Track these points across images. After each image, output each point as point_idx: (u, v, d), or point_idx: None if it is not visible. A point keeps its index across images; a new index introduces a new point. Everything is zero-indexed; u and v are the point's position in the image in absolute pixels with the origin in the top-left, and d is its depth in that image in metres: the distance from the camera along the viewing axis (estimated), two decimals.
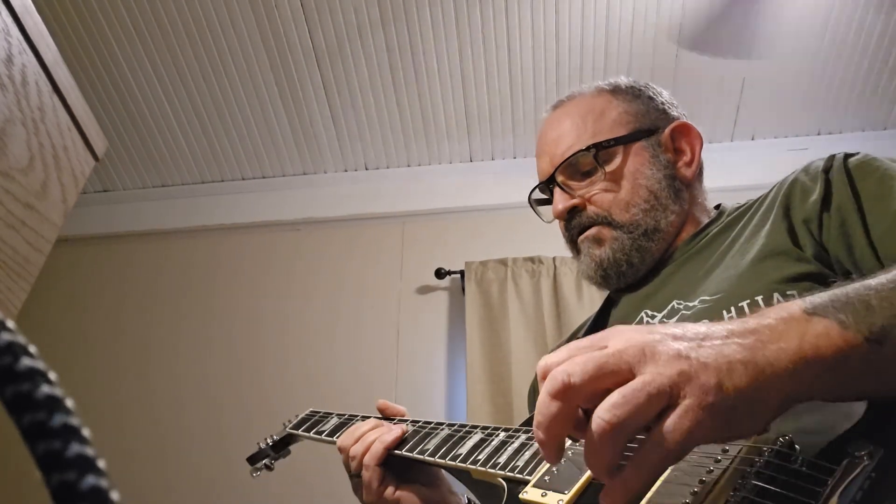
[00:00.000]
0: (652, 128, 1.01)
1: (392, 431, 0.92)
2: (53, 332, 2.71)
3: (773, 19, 2.51)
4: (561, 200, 1.00)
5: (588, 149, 0.98)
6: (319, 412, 1.16)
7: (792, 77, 2.70)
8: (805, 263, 0.76)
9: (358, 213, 2.94)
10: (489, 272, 2.63)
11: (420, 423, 0.94)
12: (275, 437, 1.20)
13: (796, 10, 2.48)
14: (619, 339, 0.49)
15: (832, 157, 0.82)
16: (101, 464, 0.21)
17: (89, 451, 0.21)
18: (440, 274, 2.69)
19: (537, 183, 1.08)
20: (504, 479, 0.70)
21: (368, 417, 1.02)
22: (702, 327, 0.50)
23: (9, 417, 0.21)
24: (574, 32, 2.55)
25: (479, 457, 0.76)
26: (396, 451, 0.90)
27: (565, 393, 0.47)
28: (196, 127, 2.83)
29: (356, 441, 0.93)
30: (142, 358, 2.71)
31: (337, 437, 1.00)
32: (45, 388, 0.21)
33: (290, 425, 1.17)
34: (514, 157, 2.98)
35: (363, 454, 0.90)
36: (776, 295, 0.73)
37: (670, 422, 0.45)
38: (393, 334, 2.67)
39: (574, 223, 1.00)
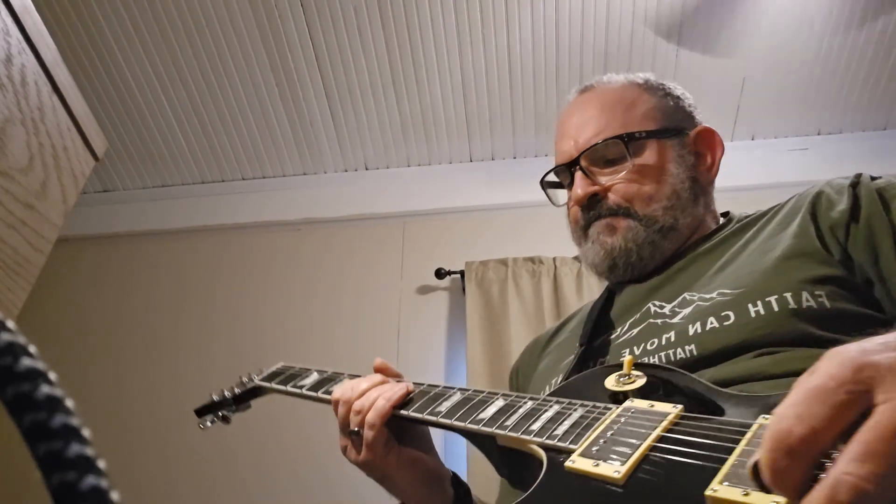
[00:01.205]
0: (678, 128, 1.01)
1: (397, 388, 0.85)
2: (53, 332, 2.71)
3: (773, 19, 2.51)
4: (582, 186, 0.98)
5: (620, 137, 0.97)
6: (294, 367, 1.07)
7: (792, 77, 2.70)
8: (831, 267, 0.78)
9: (358, 213, 2.94)
10: (489, 272, 2.63)
11: (425, 386, 0.87)
12: (237, 390, 1.10)
13: (796, 9, 2.48)
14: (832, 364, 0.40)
15: (858, 175, 0.85)
16: (102, 464, 0.21)
17: (89, 451, 0.21)
18: (440, 274, 2.69)
19: (554, 165, 1.05)
20: (541, 446, 0.65)
21: (357, 376, 0.95)
22: None
23: (9, 418, 0.21)
24: (574, 32, 2.55)
25: (507, 422, 0.71)
26: (404, 412, 0.82)
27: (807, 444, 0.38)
28: (196, 127, 2.83)
29: (359, 396, 0.85)
30: (142, 358, 2.71)
31: (322, 393, 0.94)
32: (45, 389, 0.21)
33: (260, 377, 1.09)
34: (514, 157, 2.98)
35: (368, 410, 0.83)
36: (804, 294, 0.75)
37: None
38: (393, 334, 2.67)
39: (592, 211, 0.99)
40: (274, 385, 1.04)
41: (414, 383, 0.88)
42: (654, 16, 2.51)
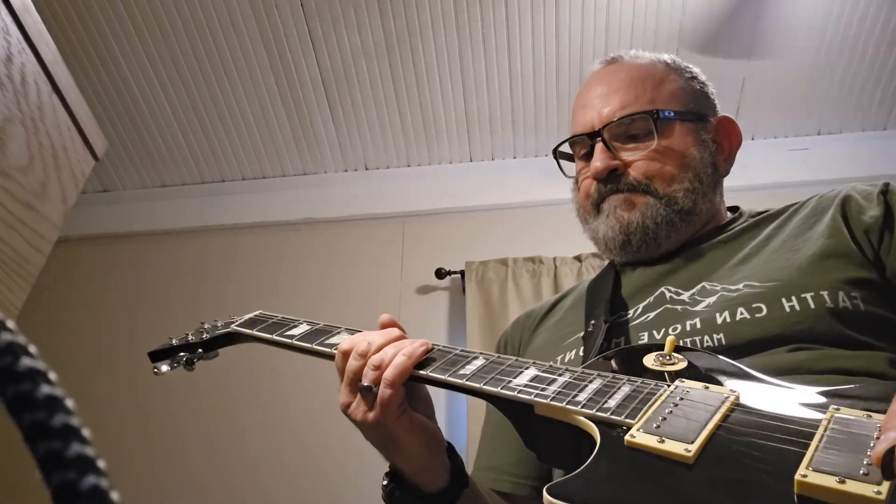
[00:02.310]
0: (702, 113, 1.00)
1: (417, 344, 0.77)
2: (53, 332, 2.71)
3: (772, 19, 2.51)
4: (602, 159, 0.94)
5: (649, 113, 0.94)
6: (275, 315, 0.96)
7: (792, 77, 2.70)
8: (866, 270, 0.78)
9: (358, 213, 2.93)
10: (489, 272, 2.63)
11: (442, 346, 0.80)
12: (205, 335, 0.99)
13: (796, 10, 2.48)
14: None
15: (886, 183, 0.86)
16: (101, 463, 0.21)
17: (89, 450, 0.21)
18: (440, 274, 2.69)
19: (572, 135, 1.02)
20: (591, 419, 0.62)
21: (356, 331, 0.86)
22: None
23: (9, 417, 0.21)
24: (574, 32, 2.55)
25: (547, 392, 0.66)
26: (422, 372, 0.75)
27: None
28: (196, 127, 2.83)
29: (376, 350, 0.76)
30: (142, 358, 2.70)
31: (318, 344, 0.84)
32: (45, 389, 0.21)
33: (237, 323, 0.97)
34: (514, 157, 2.98)
35: (387, 365, 0.74)
36: (841, 293, 0.75)
37: None
38: None
39: (610, 185, 0.95)
40: (256, 332, 0.91)
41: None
42: (655, 16, 2.51)
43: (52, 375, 0.22)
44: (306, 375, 2.31)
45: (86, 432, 0.21)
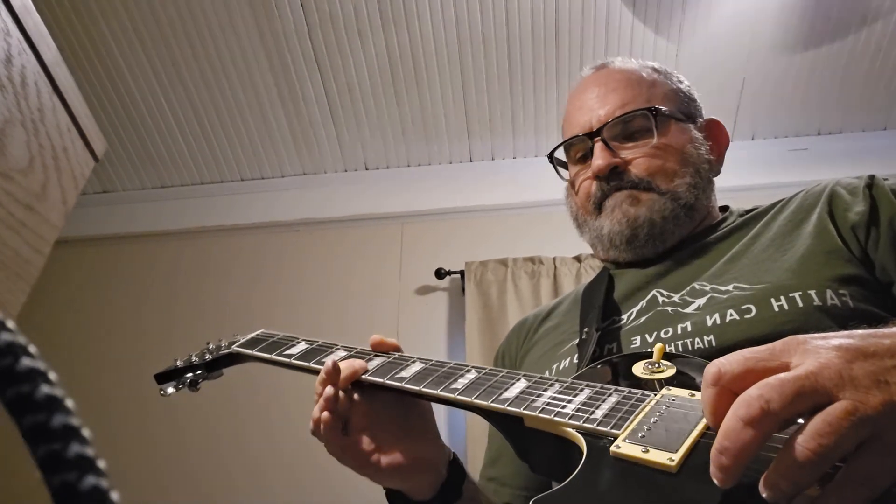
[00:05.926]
0: (693, 114, 1.02)
1: (323, 404, 0.77)
2: (53, 332, 2.71)
3: (773, 19, 2.51)
4: (604, 156, 0.95)
5: (649, 110, 0.96)
6: (276, 333, 0.98)
7: (792, 77, 2.70)
8: (854, 266, 0.78)
9: (358, 214, 2.93)
10: (489, 272, 2.63)
11: (434, 363, 0.81)
12: (208, 356, 1.02)
13: (797, 9, 2.48)
14: (808, 357, 0.46)
15: (871, 176, 0.86)
16: (101, 464, 0.21)
17: (89, 451, 0.21)
18: (440, 274, 2.69)
19: (569, 137, 1.03)
20: (579, 430, 0.62)
21: (352, 347, 0.88)
22: (884, 341, 0.47)
23: (9, 418, 0.21)
24: (574, 33, 2.55)
25: (537, 403, 0.67)
26: (415, 387, 0.76)
27: (762, 420, 0.44)
28: (195, 128, 2.83)
29: (318, 397, 0.79)
30: (141, 359, 2.71)
31: (314, 363, 0.86)
32: (45, 389, 0.21)
33: (238, 343, 1.00)
34: (514, 158, 2.98)
35: (320, 433, 0.77)
36: (829, 291, 0.75)
37: (876, 460, 0.43)
38: (393, 335, 2.63)
39: (613, 183, 0.96)
40: (256, 352, 0.94)
41: (421, 359, 0.82)
42: (655, 16, 2.51)
43: (52, 376, 0.22)
44: (309, 381, 2.31)
45: (86, 433, 0.21)
